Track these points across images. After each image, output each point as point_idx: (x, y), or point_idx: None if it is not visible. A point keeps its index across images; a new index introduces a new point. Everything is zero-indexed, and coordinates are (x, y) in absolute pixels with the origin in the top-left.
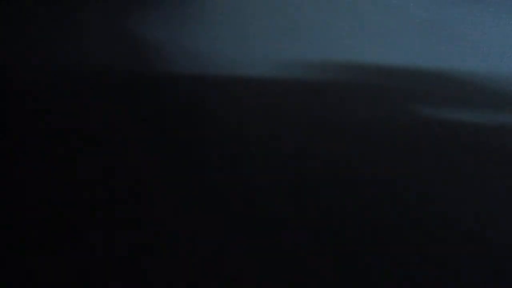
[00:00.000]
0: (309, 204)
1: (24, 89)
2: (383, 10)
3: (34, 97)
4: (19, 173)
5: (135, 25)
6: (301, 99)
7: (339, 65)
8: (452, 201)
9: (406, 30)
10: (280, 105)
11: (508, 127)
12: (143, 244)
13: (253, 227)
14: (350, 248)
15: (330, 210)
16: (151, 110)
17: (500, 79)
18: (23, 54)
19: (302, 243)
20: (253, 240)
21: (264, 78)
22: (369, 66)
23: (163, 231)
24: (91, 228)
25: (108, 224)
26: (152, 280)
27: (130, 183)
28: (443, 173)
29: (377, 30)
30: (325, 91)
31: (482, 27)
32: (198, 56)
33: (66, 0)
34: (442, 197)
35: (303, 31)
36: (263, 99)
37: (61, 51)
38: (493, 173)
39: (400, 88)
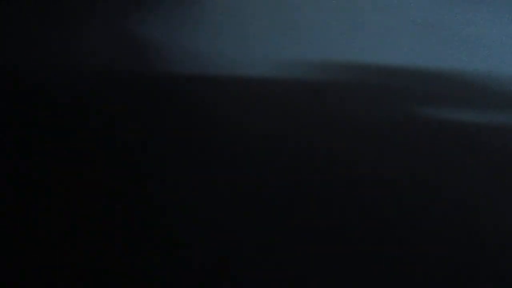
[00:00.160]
0: (310, 204)
1: (23, 89)
2: (383, 10)
3: (32, 96)
4: (19, 172)
5: (135, 25)
6: (301, 99)
7: (339, 65)
8: (453, 201)
9: (406, 30)
10: (280, 105)
11: (509, 127)
12: (143, 244)
13: (253, 227)
14: (350, 248)
15: (331, 210)
16: (151, 110)
17: (501, 79)
18: (21, 54)
19: (303, 242)
20: (253, 240)
21: (264, 78)
22: (369, 66)
23: (164, 231)
24: (91, 228)
25: (108, 223)
26: (152, 280)
27: (130, 183)
28: (443, 173)
29: (377, 30)
30: (325, 91)
31: (483, 27)
32: (198, 56)
33: (66, 0)
34: (442, 197)
35: (303, 31)
36: (263, 98)
37: (60, 50)
38: (493, 173)
39: (400, 88)
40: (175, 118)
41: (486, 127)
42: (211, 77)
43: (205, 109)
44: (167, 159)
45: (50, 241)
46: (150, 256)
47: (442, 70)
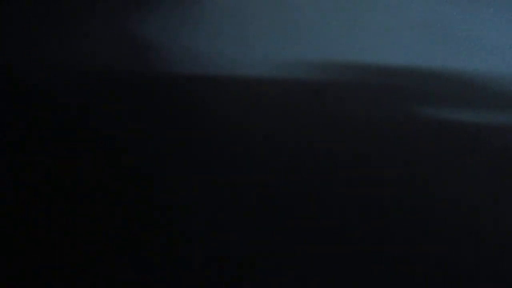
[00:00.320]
0: (310, 204)
1: (23, 88)
2: (383, 9)
3: (32, 96)
4: (20, 172)
5: (135, 25)
6: (301, 98)
7: (339, 65)
8: (453, 201)
9: (407, 30)
10: (280, 105)
11: (509, 127)
12: (144, 243)
13: (253, 227)
14: (351, 248)
15: (331, 210)
16: (151, 110)
17: (501, 79)
18: (21, 54)
19: (303, 242)
20: (253, 240)
21: (264, 78)
22: (369, 66)
23: (164, 231)
24: (91, 227)
25: (108, 224)
26: (153, 280)
27: (131, 183)
28: (443, 172)
29: (377, 30)
30: (325, 90)
31: (483, 26)
32: (198, 56)
33: (66, 0)
34: (443, 197)
35: (303, 31)
36: (263, 98)
37: (60, 50)
38: (494, 173)
39: (400, 87)
40: (175, 118)
41: (486, 126)
42: (211, 77)
43: (205, 109)
44: (167, 159)
45: (50, 241)
46: (150, 256)
47: (442, 70)
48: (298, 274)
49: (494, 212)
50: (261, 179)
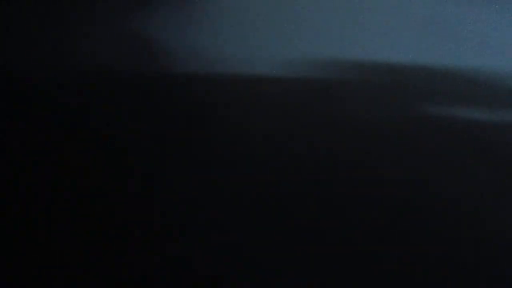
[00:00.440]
0: (312, 203)
1: (24, 88)
2: (385, 8)
3: (33, 96)
4: (21, 172)
5: (137, 25)
6: (303, 97)
7: (342, 64)
8: (455, 200)
9: (409, 28)
10: (282, 104)
11: None
12: (145, 243)
13: (254, 226)
14: (351, 248)
15: (332, 209)
16: (153, 109)
17: (506, 77)
18: (23, 54)
19: (303, 241)
20: (253, 239)
21: (266, 77)
22: (372, 64)
23: (164, 230)
24: (92, 227)
25: (109, 224)
26: (154, 280)
27: (133, 182)
28: (446, 171)
29: (380, 28)
30: (328, 89)
31: (486, 24)
32: (200, 55)
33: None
34: (445, 196)
35: (305, 30)
36: (265, 97)
37: (62, 50)
38: (497, 172)
39: (404, 86)
40: (177, 117)
41: (489, 125)
42: (213, 76)
43: (207, 108)
44: (169, 157)
45: (50, 240)
46: (150, 256)
47: (446, 69)
48: (298, 274)
49: (496, 211)
50: (261, 178)
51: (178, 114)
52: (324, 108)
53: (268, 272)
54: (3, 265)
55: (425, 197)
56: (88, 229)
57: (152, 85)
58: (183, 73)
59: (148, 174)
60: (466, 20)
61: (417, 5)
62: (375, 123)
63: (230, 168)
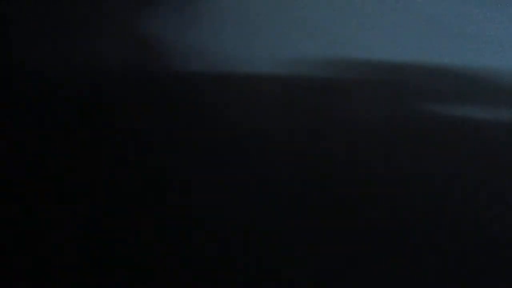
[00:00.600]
0: (312, 203)
1: (26, 88)
2: (390, 6)
3: (34, 96)
4: (21, 173)
5: (140, 24)
6: (306, 96)
7: (344, 63)
8: (456, 200)
9: (413, 27)
10: (285, 103)
11: None
12: (147, 243)
13: (257, 225)
14: (352, 248)
15: (334, 209)
16: (155, 108)
17: (506, 77)
18: (22, 54)
19: (303, 241)
20: (254, 238)
21: (268, 76)
22: (374, 63)
23: (169, 231)
24: (93, 227)
25: (111, 224)
26: (154, 280)
27: (132, 182)
28: (446, 171)
29: (383, 27)
30: (330, 88)
31: (492, 23)
32: (202, 54)
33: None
34: (445, 197)
35: (307, 29)
36: (266, 96)
37: (66, 50)
38: (501, 170)
39: (406, 85)
40: (179, 116)
41: (490, 125)
42: (215, 75)
43: (208, 107)
44: (170, 157)
45: (51, 239)
46: (152, 255)
47: (451, 68)
48: (299, 273)
49: (495, 211)
50: (262, 177)
51: (179, 113)
52: (325, 107)
53: (268, 272)
54: (3, 265)
55: (425, 197)
56: (88, 229)
57: (152, 84)
58: (183, 72)
59: (151, 171)
60: (467, 19)
61: (418, 5)
62: (377, 123)
63: (231, 167)
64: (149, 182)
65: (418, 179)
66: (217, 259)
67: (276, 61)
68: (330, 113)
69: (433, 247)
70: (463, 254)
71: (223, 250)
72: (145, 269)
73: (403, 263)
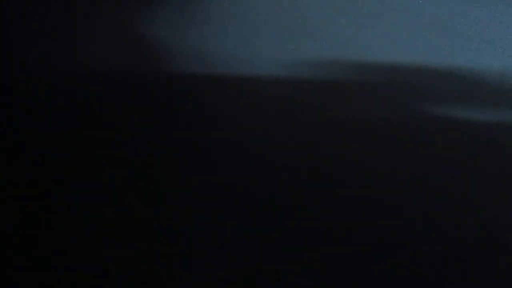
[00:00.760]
0: (313, 203)
1: (27, 89)
2: (390, 6)
3: (35, 96)
4: (21, 173)
5: (141, 25)
6: (307, 98)
7: (346, 64)
8: (456, 200)
9: (415, 28)
10: (286, 104)
11: None
12: (148, 243)
13: (256, 226)
14: (352, 248)
15: (334, 209)
16: (156, 108)
17: (506, 77)
18: (23, 54)
19: (303, 241)
20: (254, 238)
21: (269, 77)
22: (376, 64)
23: (169, 231)
24: (93, 227)
25: (112, 224)
26: (154, 280)
27: (133, 182)
28: (446, 171)
29: (385, 28)
30: (332, 89)
31: (492, 23)
32: (204, 55)
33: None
34: (445, 197)
35: (309, 30)
36: (268, 97)
37: (67, 51)
38: (502, 172)
39: (408, 85)
40: (180, 116)
41: (490, 125)
42: (216, 76)
43: (210, 108)
44: (171, 157)
45: (52, 238)
46: (153, 255)
47: (454, 69)
48: (298, 274)
49: (495, 211)
50: (262, 177)
51: (180, 114)
52: (326, 108)
53: (268, 272)
54: (3, 265)
55: (426, 197)
56: (88, 229)
57: (153, 85)
58: (184, 72)
59: (152, 171)
60: (467, 20)
61: (417, 5)
62: (377, 123)
63: (231, 168)
64: (149, 182)
65: (418, 179)
66: (217, 259)
67: (276, 62)
68: (330, 113)
69: (433, 247)
70: (463, 254)
71: (223, 250)
72: (145, 269)
73: (403, 263)
